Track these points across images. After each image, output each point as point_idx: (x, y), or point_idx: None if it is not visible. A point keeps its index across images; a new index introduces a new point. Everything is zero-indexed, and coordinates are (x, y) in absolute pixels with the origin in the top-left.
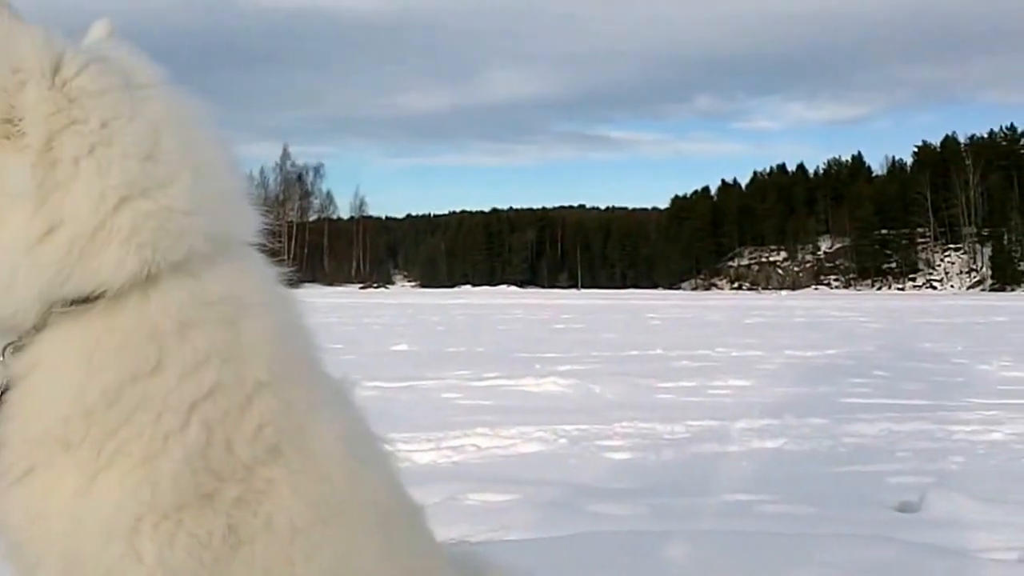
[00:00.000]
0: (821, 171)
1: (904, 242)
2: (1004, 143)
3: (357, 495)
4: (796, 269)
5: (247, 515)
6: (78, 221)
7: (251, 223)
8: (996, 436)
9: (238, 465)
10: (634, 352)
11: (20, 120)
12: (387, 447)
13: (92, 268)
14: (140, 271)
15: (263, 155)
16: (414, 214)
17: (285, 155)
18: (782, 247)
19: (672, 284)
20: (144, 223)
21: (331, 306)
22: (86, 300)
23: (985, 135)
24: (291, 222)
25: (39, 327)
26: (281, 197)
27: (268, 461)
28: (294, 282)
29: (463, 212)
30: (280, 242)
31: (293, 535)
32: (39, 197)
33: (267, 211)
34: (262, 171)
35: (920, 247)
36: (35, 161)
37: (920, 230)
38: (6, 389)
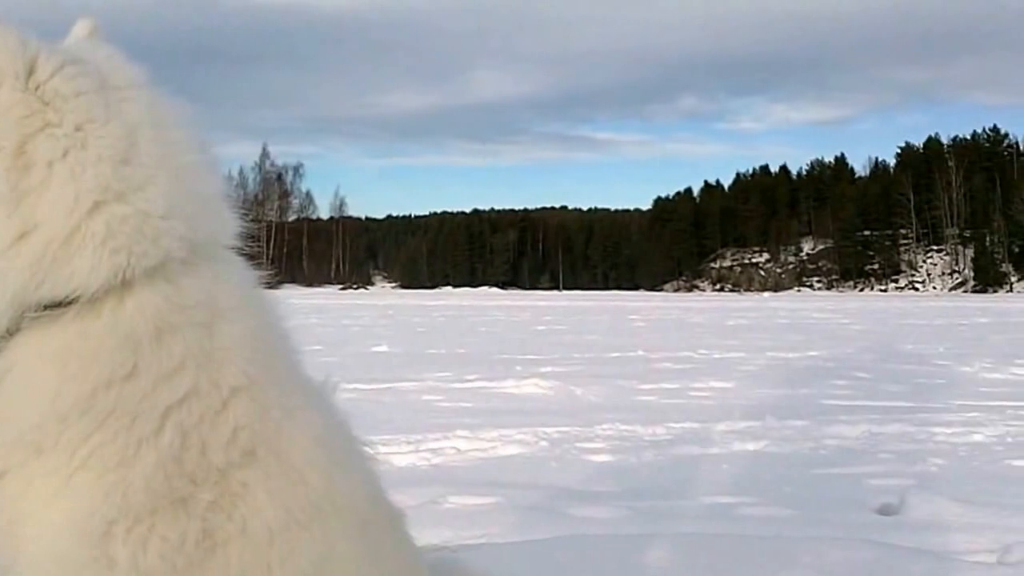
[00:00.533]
0: (804, 172)
1: (887, 243)
2: (987, 144)
3: (335, 499)
4: (778, 271)
5: (222, 519)
6: (52, 225)
7: (230, 226)
8: (977, 438)
9: (212, 469)
10: (616, 354)
11: None
12: (368, 451)
13: (66, 273)
14: (115, 276)
15: (242, 154)
16: (395, 215)
17: (264, 155)
18: (764, 248)
19: (654, 286)
20: (119, 227)
21: (311, 307)
22: (60, 305)
23: (968, 136)
24: (270, 222)
25: (12, 331)
26: (260, 197)
27: (243, 465)
28: (273, 283)
29: (444, 213)
30: (258, 243)
31: (270, 539)
32: (12, 201)
33: (246, 211)
34: (241, 171)
35: (903, 248)
36: (8, 165)
37: (903, 231)
38: None
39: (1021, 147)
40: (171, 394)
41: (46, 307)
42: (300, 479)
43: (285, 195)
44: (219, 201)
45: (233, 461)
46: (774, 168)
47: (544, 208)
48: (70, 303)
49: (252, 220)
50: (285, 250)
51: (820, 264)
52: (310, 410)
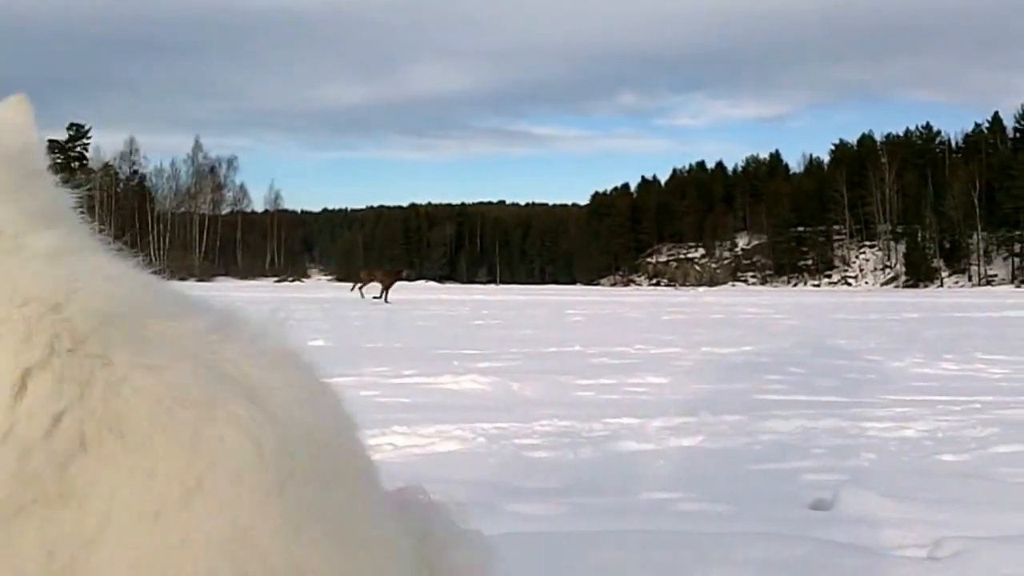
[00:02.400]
0: (740, 169)
1: (820, 239)
2: (920, 142)
3: (221, 464)
4: (714, 266)
5: (80, 516)
6: None
7: None
8: (908, 433)
9: (47, 465)
10: (553, 349)
11: None
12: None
13: None
14: None
15: (175, 147)
16: (331, 208)
17: (197, 147)
18: (700, 244)
19: (591, 280)
20: None
21: (245, 300)
22: None
23: (901, 134)
24: (203, 215)
25: None
26: (193, 190)
27: (77, 454)
28: (206, 275)
29: (381, 207)
30: (191, 235)
31: (152, 524)
32: None
33: (179, 203)
34: (173, 163)
35: (836, 244)
36: None
37: (836, 227)
38: None
39: (953, 144)
40: None
41: None
42: (157, 454)
43: (219, 188)
44: None
45: (59, 452)
46: (710, 164)
47: (482, 203)
48: None
49: (184, 212)
50: (219, 243)
51: (755, 259)
52: (156, 368)
